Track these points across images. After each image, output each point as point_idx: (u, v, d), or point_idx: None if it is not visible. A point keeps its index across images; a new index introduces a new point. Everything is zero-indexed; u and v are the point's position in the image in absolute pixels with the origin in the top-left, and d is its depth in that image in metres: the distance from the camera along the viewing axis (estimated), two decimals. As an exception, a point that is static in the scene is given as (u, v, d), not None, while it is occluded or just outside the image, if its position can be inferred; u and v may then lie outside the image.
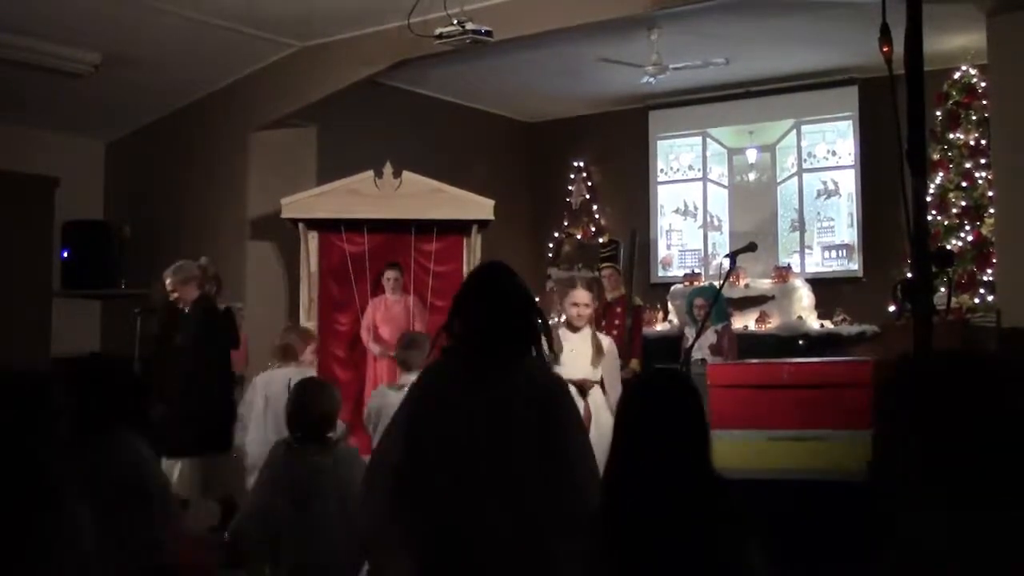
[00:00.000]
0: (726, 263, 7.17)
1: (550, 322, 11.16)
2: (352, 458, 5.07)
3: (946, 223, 11.51)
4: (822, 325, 12.32)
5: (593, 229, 14.94)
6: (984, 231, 11.20)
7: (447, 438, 3.42)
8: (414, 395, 3.62)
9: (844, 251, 13.50)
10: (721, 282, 7.61)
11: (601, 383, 6.79)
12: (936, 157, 11.61)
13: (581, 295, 6.83)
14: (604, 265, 11.60)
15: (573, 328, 6.74)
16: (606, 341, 6.96)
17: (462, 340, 3.67)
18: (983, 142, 11.31)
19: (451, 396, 3.51)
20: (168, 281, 9.02)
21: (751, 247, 6.81)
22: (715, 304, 10.42)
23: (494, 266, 3.90)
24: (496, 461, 3.36)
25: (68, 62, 10.77)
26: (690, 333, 10.54)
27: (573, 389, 6.09)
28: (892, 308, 10.50)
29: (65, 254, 12.90)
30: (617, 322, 10.22)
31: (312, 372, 7.69)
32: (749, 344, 11.03)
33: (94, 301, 13.43)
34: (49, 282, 12.86)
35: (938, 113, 11.76)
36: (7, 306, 12.17)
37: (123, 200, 13.24)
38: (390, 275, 10.10)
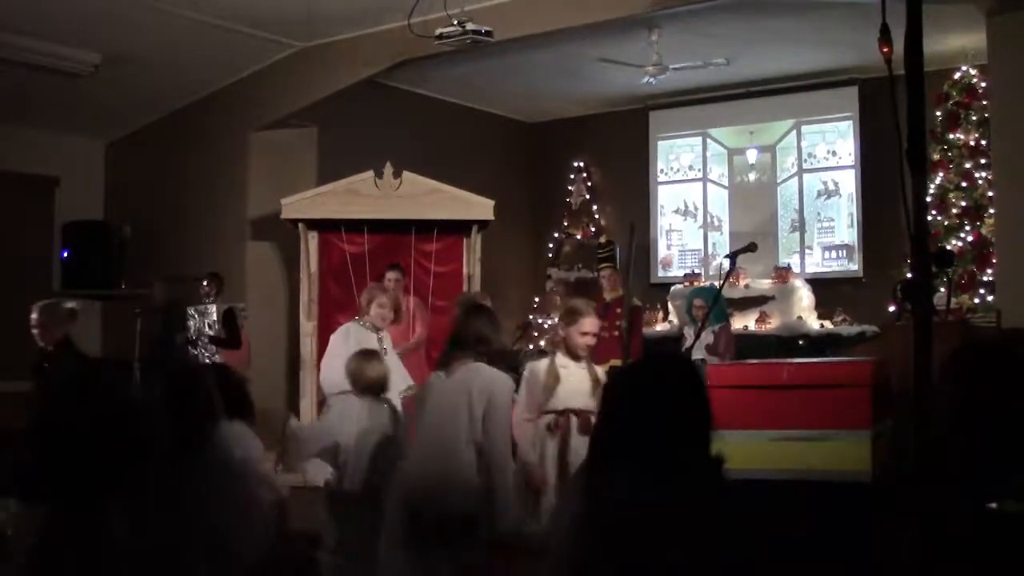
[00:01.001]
0: (726, 263, 7.14)
1: (548, 323, 10.97)
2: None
3: (946, 223, 11.52)
4: (822, 325, 12.32)
5: (593, 229, 14.94)
6: (984, 231, 11.21)
7: None
8: None
9: (844, 251, 13.50)
10: (721, 282, 7.59)
11: None
12: (936, 157, 11.62)
13: (592, 323, 6.30)
14: (603, 266, 11.59)
15: (575, 357, 6.24)
16: (600, 371, 6.38)
17: None
18: (983, 142, 11.32)
19: None
20: (32, 316, 8.77)
21: (751, 247, 6.77)
22: (714, 304, 10.43)
23: None
24: None
25: (68, 62, 10.77)
26: (689, 333, 10.53)
27: (575, 422, 6.07)
28: (892, 308, 10.51)
29: (65, 254, 12.90)
30: (617, 323, 10.20)
31: None
32: (749, 344, 11.02)
33: (94, 301, 13.42)
34: (49, 282, 12.86)
35: (938, 113, 11.76)
36: (7, 306, 12.17)
37: (123, 200, 13.24)
38: (391, 276, 10.03)
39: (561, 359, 6.20)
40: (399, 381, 7.32)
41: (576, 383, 6.15)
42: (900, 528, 5.03)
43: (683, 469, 2.97)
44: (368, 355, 6.56)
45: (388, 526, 5.19)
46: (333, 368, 7.32)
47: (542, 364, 6.21)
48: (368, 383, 6.27)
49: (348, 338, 7.79)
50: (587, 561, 2.98)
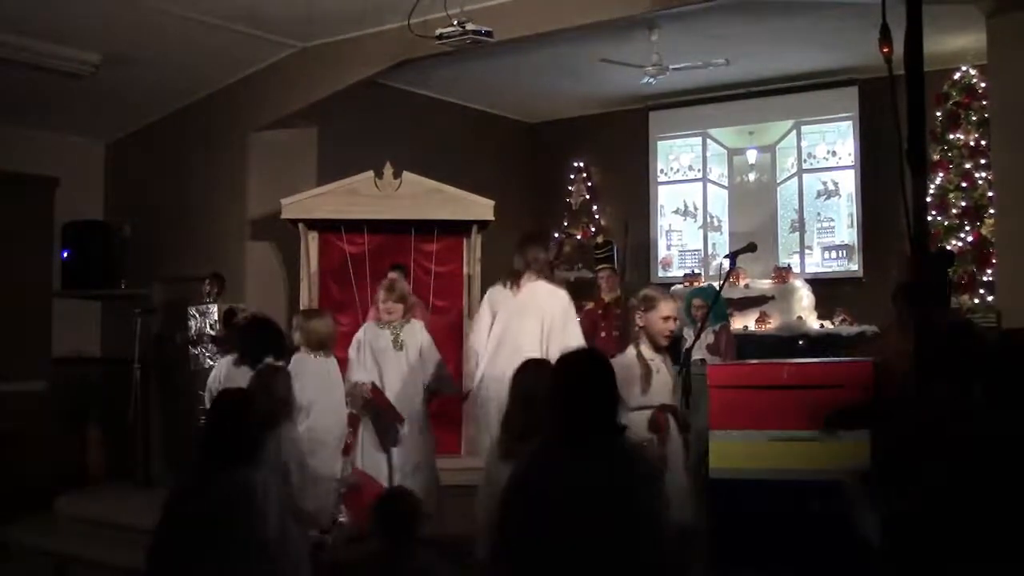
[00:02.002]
0: (726, 263, 7.14)
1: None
2: None
3: (946, 223, 11.53)
4: (822, 325, 12.32)
5: (593, 229, 14.95)
6: (984, 232, 11.22)
7: None
8: None
9: (844, 251, 13.50)
10: (720, 283, 7.59)
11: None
12: (936, 157, 11.63)
13: (671, 307, 6.00)
14: (601, 267, 11.60)
15: (657, 346, 5.96)
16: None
17: None
18: (983, 142, 11.32)
19: None
20: None
21: (751, 247, 6.75)
22: (714, 304, 10.42)
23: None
24: None
25: (68, 62, 10.76)
26: (689, 334, 10.52)
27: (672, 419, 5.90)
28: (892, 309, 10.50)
29: (65, 254, 12.91)
30: (616, 323, 10.21)
31: None
32: (749, 344, 11.02)
33: (94, 301, 13.43)
34: (49, 282, 12.87)
35: (938, 113, 11.77)
36: (7, 306, 12.18)
37: (123, 200, 13.24)
38: (392, 276, 9.99)
39: (646, 350, 5.93)
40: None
41: (664, 376, 5.94)
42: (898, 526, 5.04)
43: (592, 436, 3.71)
44: (313, 312, 7.55)
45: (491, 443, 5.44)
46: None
47: (630, 357, 5.88)
48: (318, 339, 7.02)
49: (356, 341, 7.87)
50: (515, 519, 3.73)
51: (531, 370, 5.01)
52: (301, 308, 10.43)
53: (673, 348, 11.04)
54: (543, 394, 4.11)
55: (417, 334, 7.82)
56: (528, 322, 7.09)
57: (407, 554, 4.66)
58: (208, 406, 6.98)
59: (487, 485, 4.96)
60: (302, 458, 5.99)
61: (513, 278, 7.40)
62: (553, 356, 4.48)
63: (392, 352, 7.67)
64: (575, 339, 7.00)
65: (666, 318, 5.89)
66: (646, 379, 5.73)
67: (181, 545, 4.54)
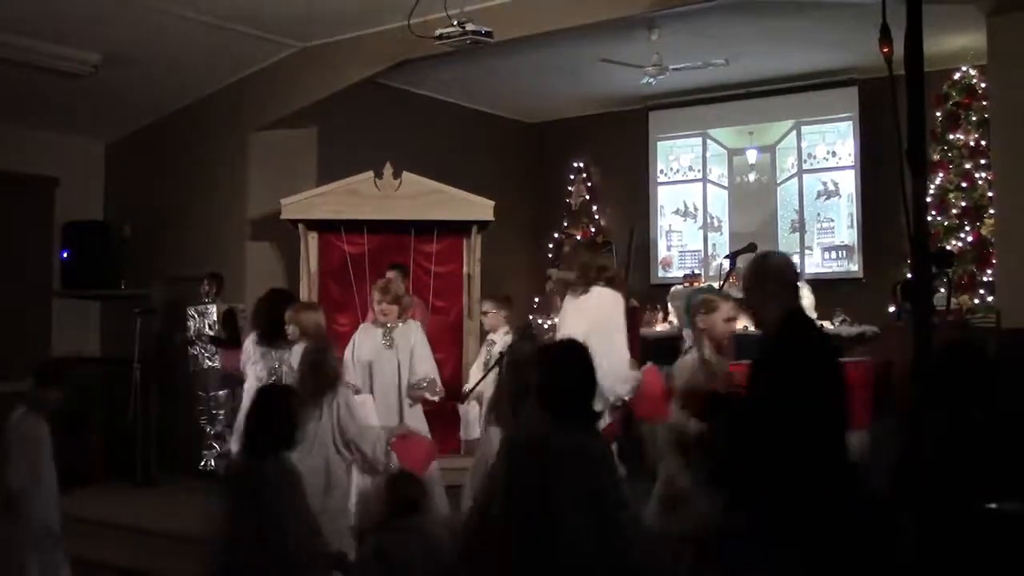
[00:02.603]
0: (726, 264, 7.15)
1: (548, 323, 10.97)
2: None
3: (946, 224, 11.53)
4: (822, 326, 12.29)
5: (593, 230, 14.94)
6: (984, 232, 11.21)
7: None
8: None
9: (844, 252, 13.51)
10: (721, 283, 7.61)
11: None
12: (936, 158, 11.63)
13: (732, 307, 5.85)
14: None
15: (720, 348, 5.81)
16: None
17: None
18: (983, 143, 11.32)
19: None
20: None
21: (751, 248, 6.77)
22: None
23: None
24: None
25: (68, 62, 10.76)
26: (688, 334, 10.52)
27: None
28: (892, 308, 10.51)
29: (65, 254, 12.91)
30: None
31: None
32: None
33: (94, 301, 13.43)
34: (49, 282, 12.87)
35: (938, 114, 11.77)
36: (7, 306, 12.18)
37: (123, 200, 13.23)
38: (390, 275, 9.96)
39: (710, 354, 5.77)
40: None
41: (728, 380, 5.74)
42: (898, 529, 5.04)
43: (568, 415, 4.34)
44: (305, 305, 7.82)
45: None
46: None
47: (693, 361, 5.76)
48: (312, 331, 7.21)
49: (352, 342, 7.93)
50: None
51: (526, 340, 5.64)
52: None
53: (674, 348, 11.08)
54: (531, 362, 4.78)
55: (411, 335, 7.88)
56: (579, 324, 7.09)
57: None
58: (248, 386, 7.53)
59: (480, 449, 5.91)
60: (354, 408, 6.37)
61: (580, 283, 7.53)
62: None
63: (384, 351, 7.74)
64: (616, 348, 7.18)
65: (728, 320, 5.81)
66: (711, 382, 5.57)
67: (239, 527, 4.93)
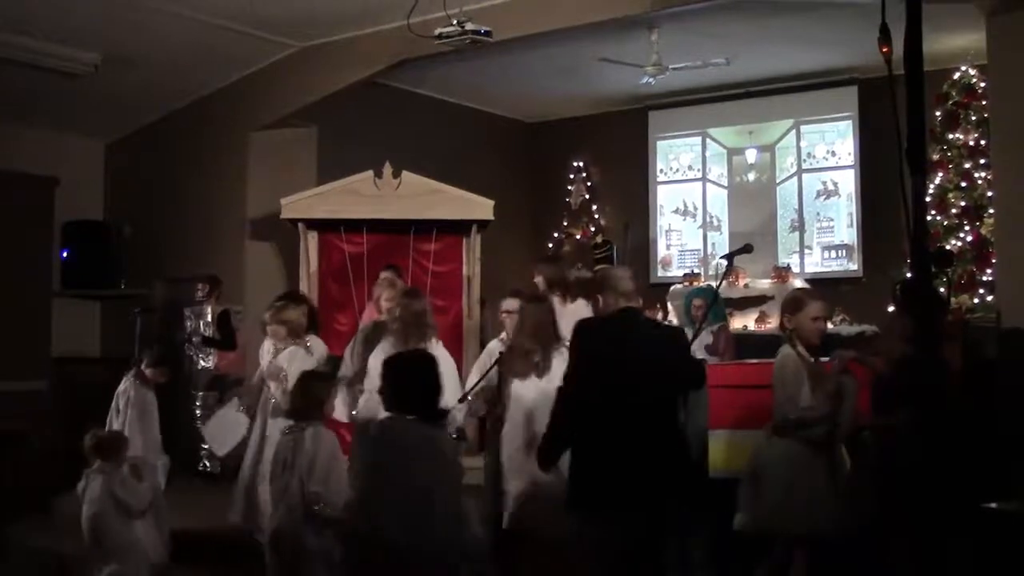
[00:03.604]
0: (724, 264, 7.14)
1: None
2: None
3: (946, 223, 11.52)
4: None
5: (593, 229, 14.95)
6: (984, 231, 11.21)
7: None
8: None
9: (844, 251, 13.51)
10: (718, 283, 7.60)
11: None
12: (936, 157, 11.62)
13: (820, 307, 5.84)
14: (599, 267, 11.59)
15: (811, 347, 5.73)
16: None
17: None
18: (982, 142, 11.31)
19: None
20: None
21: (747, 248, 6.74)
22: (713, 304, 10.42)
23: None
24: None
25: (68, 62, 10.77)
26: (688, 333, 10.51)
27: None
28: (892, 308, 10.51)
29: (65, 254, 12.90)
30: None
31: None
32: (748, 344, 11.01)
33: (94, 301, 13.43)
34: (49, 282, 12.85)
35: (937, 113, 11.76)
36: (7, 306, 12.17)
37: (123, 200, 13.24)
38: (385, 276, 9.87)
39: (804, 352, 5.66)
40: None
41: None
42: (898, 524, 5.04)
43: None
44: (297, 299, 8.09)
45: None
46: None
47: (792, 358, 5.64)
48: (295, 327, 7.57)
49: (352, 341, 7.95)
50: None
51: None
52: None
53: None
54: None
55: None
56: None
57: None
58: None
59: None
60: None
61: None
62: None
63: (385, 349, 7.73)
64: None
65: (815, 319, 5.73)
66: (814, 379, 5.55)
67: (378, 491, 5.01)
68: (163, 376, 8.26)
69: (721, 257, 12.61)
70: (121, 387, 8.07)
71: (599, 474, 4.85)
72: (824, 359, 5.96)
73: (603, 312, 5.31)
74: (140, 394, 7.96)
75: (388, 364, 5.25)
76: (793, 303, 5.74)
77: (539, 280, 9.36)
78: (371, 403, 7.28)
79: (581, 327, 5.39)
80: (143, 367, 8.10)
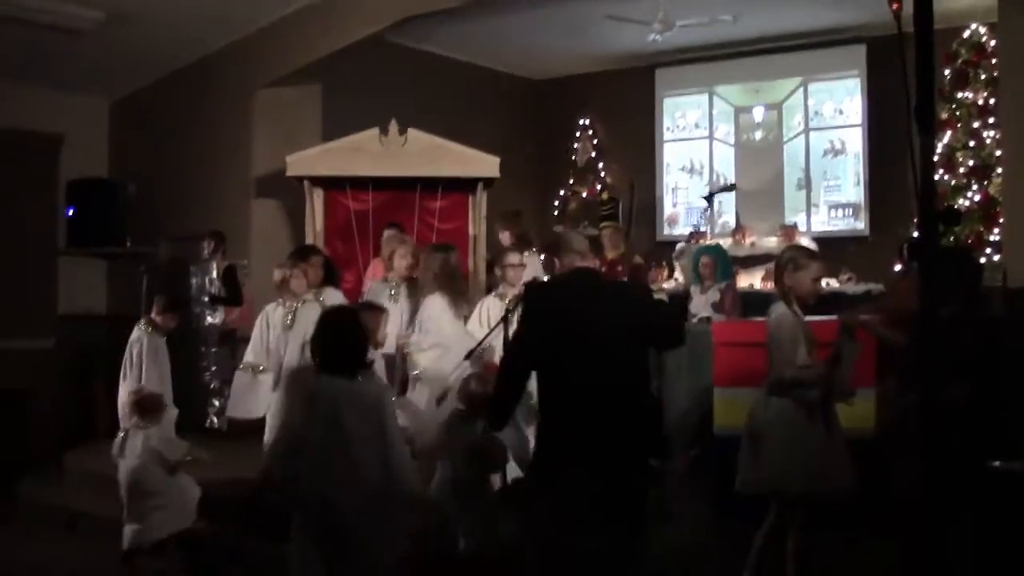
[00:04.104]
0: (710, 203, 7.08)
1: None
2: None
3: (953, 183, 11.48)
4: (827, 284, 12.27)
5: (599, 187, 14.91)
6: (991, 191, 11.17)
7: None
8: None
9: (850, 210, 13.47)
10: (706, 224, 7.56)
11: None
12: (944, 116, 11.57)
13: (822, 268, 5.85)
14: (605, 224, 11.57)
15: (805, 307, 5.68)
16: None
17: None
18: (991, 101, 11.26)
19: None
20: None
21: (730, 187, 6.71)
22: (719, 262, 10.43)
23: None
24: None
25: (72, 19, 10.73)
26: (695, 291, 10.54)
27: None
28: (898, 267, 10.50)
29: (70, 212, 12.91)
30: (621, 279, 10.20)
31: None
32: (755, 302, 10.99)
33: (100, 259, 13.45)
34: (55, 240, 12.88)
35: (947, 72, 11.70)
36: (13, 265, 12.19)
37: (127, 158, 13.23)
38: (388, 234, 9.85)
39: (799, 311, 5.62)
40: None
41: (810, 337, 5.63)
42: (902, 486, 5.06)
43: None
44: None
45: None
46: None
47: (789, 315, 5.57)
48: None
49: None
50: None
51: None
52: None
53: (679, 305, 11.10)
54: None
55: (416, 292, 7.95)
56: None
57: None
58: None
59: None
60: None
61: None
62: None
63: (390, 307, 7.76)
64: None
65: (815, 279, 5.68)
66: (809, 338, 5.52)
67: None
68: (174, 322, 8.33)
69: (703, 196, 12.57)
70: (134, 336, 8.15)
71: (560, 436, 4.82)
72: (826, 318, 5.96)
73: (560, 271, 5.33)
74: (152, 342, 8.06)
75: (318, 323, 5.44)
76: (794, 262, 5.64)
77: (504, 236, 9.38)
78: (442, 362, 7.28)
79: (530, 287, 5.56)
80: (153, 315, 8.21)
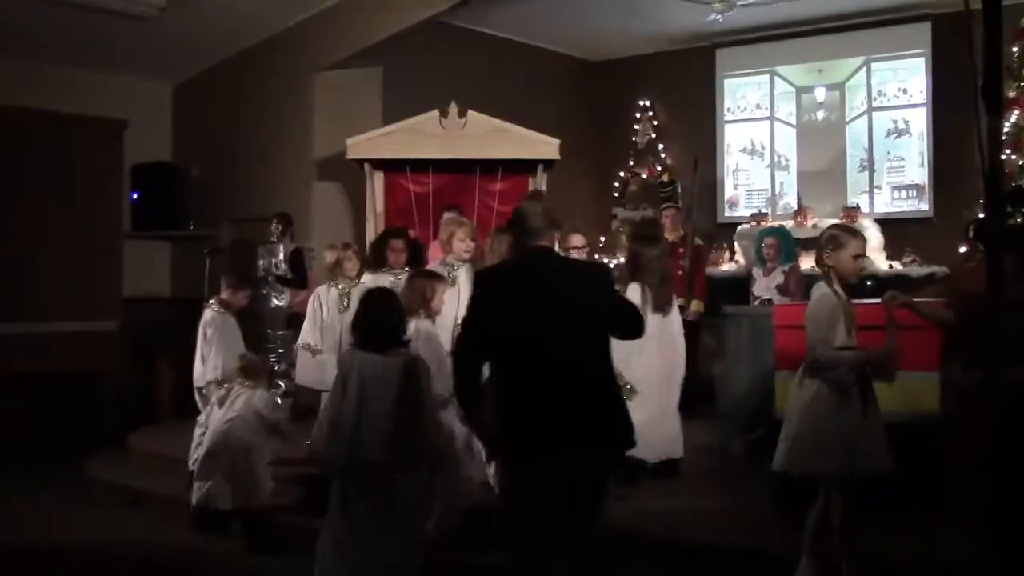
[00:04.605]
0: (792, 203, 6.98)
1: (615, 262, 10.94)
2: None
3: (1021, 162, 11.29)
4: (891, 266, 12.16)
5: (659, 168, 14.84)
6: (1060, 171, 10.99)
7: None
8: None
9: (914, 191, 13.30)
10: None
11: None
12: (1012, 94, 11.38)
13: (861, 245, 5.62)
14: (665, 205, 11.53)
15: (846, 286, 5.52)
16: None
17: None
18: (1061, 79, 11.08)
19: None
20: None
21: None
22: (783, 244, 10.35)
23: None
24: None
25: (135, 5, 10.84)
26: (758, 273, 10.47)
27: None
28: (963, 248, 10.36)
29: (135, 196, 13.07)
30: (680, 262, 10.17)
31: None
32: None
33: (164, 242, 13.60)
34: (120, 224, 13.05)
35: (1015, 49, 11.50)
36: (80, 248, 12.37)
37: (190, 142, 13.36)
38: (447, 216, 9.85)
39: (840, 290, 5.50)
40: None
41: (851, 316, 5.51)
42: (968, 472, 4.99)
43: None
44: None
45: None
46: None
47: (830, 295, 5.46)
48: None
49: None
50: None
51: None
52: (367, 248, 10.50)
53: (740, 288, 11.03)
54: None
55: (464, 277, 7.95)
56: None
57: None
58: None
59: None
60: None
61: None
62: None
63: (448, 289, 7.78)
64: None
65: (856, 256, 5.53)
66: (850, 318, 5.40)
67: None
68: (245, 299, 8.59)
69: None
70: (206, 316, 8.41)
71: (515, 421, 4.71)
72: (873, 300, 5.88)
73: (515, 253, 5.26)
74: (225, 322, 8.32)
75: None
76: (833, 240, 5.52)
77: (617, 225, 9.33)
78: None
79: (479, 273, 5.32)
80: (223, 294, 8.48)
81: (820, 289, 5.51)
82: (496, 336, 4.72)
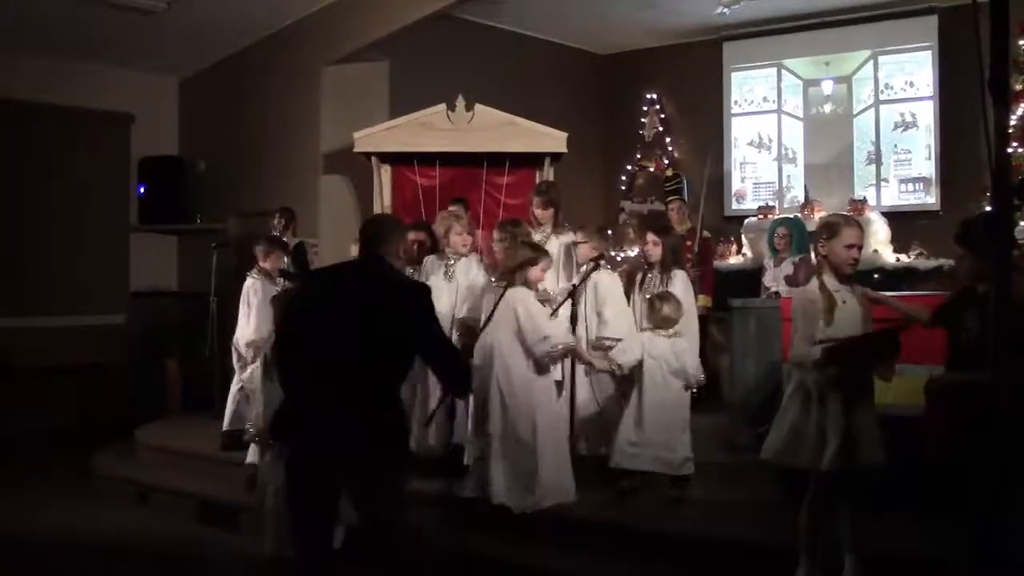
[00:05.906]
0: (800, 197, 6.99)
1: (621, 255, 10.88)
2: None
3: (1028, 156, 11.28)
4: (898, 259, 12.14)
5: (666, 161, 14.82)
6: (1068, 163, 10.97)
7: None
8: None
9: (921, 184, 13.28)
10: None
11: None
12: (1019, 88, 11.36)
13: (855, 234, 5.49)
14: (671, 199, 11.52)
15: (842, 276, 5.47)
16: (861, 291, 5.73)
17: None
18: (1068, 72, 11.06)
19: None
20: None
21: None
22: (796, 234, 10.35)
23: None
24: None
25: (142, -1, 10.86)
26: (769, 264, 10.48)
27: None
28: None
29: (142, 190, 13.08)
30: (689, 256, 10.16)
31: None
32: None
33: (171, 236, 13.62)
34: (127, 218, 13.07)
35: (1021, 42, 11.49)
36: (87, 242, 12.40)
37: (197, 136, 13.37)
38: (452, 209, 9.87)
39: (830, 281, 5.45)
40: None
41: (852, 306, 5.46)
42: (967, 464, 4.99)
43: None
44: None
45: None
46: None
47: (812, 288, 5.46)
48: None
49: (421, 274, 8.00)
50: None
51: None
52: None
53: (748, 281, 11.01)
54: None
55: (472, 269, 7.97)
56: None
57: None
58: None
59: None
60: None
61: None
62: None
63: (444, 284, 7.81)
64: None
65: (849, 246, 5.42)
66: (829, 311, 5.34)
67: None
68: (279, 261, 9.23)
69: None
70: (248, 283, 9.12)
71: (292, 409, 4.95)
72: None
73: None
74: (265, 286, 9.00)
75: None
76: (828, 228, 5.47)
77: (625, 218, 9.31)
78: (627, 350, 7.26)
79: (313, 270, 5.70)
80: (260, 262, 9.17)
81: (808, 285, 5.51)
82: (300, 331, 4.97)
